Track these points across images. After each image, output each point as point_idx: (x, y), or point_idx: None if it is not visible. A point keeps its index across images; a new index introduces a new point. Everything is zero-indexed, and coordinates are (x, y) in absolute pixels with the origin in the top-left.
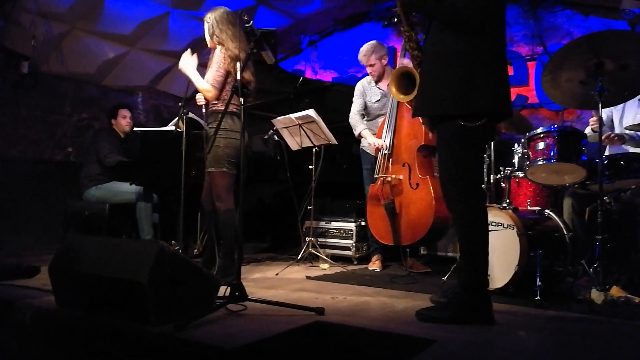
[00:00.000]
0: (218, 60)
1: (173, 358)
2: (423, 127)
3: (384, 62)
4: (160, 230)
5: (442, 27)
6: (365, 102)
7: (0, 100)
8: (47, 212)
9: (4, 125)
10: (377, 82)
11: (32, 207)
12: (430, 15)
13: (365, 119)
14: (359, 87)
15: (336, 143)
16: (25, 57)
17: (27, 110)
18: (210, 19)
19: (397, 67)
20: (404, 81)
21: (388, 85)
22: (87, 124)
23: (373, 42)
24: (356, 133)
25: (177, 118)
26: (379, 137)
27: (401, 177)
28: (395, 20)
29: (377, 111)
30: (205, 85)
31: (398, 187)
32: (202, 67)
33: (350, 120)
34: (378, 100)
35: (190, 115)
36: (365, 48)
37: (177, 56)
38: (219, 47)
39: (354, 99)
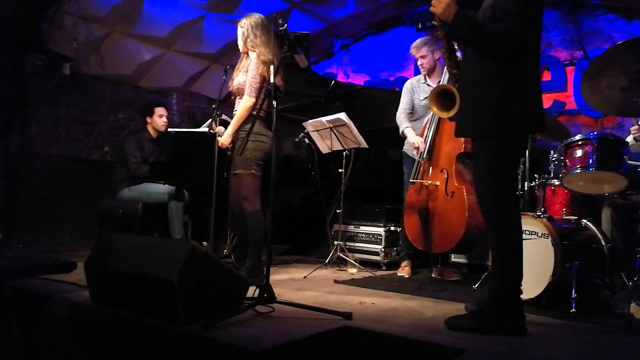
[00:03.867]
0: (254, 67)
1: (200, 357)
2: None
3: (437, 56)
4: (191, 230)
5: (479, 52)
6: (412, 100)
7: (42, 100)
8: (83, 209)
9: (45, 124)
10: (427, 77)
11: (70, 204)
12: (470, 45)
13: (411, 118)
14: (407, 85)
15: (367, 147)
16: (67, 59)
17: (66, 110)
18: (245, 25)
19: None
20: (443, 99)
21: (438, 83)
22: (123, 124)
23: (427, 37)
24: (400, 130)
25: (210, 120)
26: (421, 136)
27: (438, 183)
28: (432, 28)
29: (424, 110)
30: (245, 104)
31: (434, 193)
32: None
33: (396, 118)
34: (426, 97)
35: (223, 117)
36: (418, 41)
37: (211, 59)
38: (253, 54)
39: (402, 97)
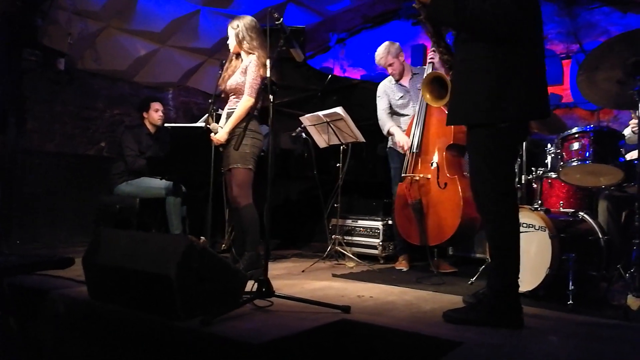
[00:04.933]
0: (255, 69)
1: (200, 352)
2: (452, 126)
3: (402, 58)
4: (189, 225)
5: (469, 36)
6: (389, 101)
7: (37, 96)
8: (80, 205)
9: (41, 120)
10: (398, 80)
11: (67, 200)
12: (454, 27)
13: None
14: (380, 88)
15: (364, 141)
16: (62, 54)
17: (62, 106)
18: (239, 26)
19: (427, 64)
20: (436, 86)
21: (410, 80)
22: (119, 120)
23: (385, 43)
24: (385, 131)
25: (206, 115)
26: (408, 134)
27: (429, 176)
28: (421, 27)
29: (402, 109)
30: (245, 104)
31: (426, 186)
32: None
33: (378, 119)
34: (401, 97)
35: (220, 112)
36: (379, 51)
37: (207, 53)
38: (252, 56)
39: (377, 100)
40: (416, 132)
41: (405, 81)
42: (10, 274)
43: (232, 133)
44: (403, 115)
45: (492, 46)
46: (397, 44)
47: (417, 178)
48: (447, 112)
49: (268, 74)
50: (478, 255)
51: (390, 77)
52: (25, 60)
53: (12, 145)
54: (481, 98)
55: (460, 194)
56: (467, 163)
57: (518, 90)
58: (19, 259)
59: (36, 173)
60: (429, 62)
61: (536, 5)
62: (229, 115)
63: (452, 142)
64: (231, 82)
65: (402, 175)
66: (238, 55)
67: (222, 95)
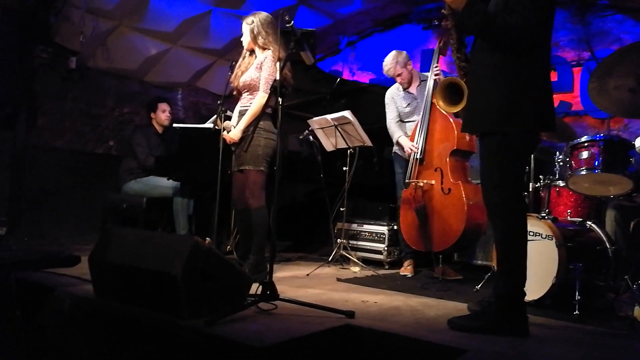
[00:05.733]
0: (271, 64)
1: (203, 353)
2: (455, 132)
3: (410, 67)
4: (195, 226)
5: (489, 44)
6: (397, 109)
7: (48, 93)
8: (88, 203)
9: (51, 117)
10: (406, 89)
11: (75, 197)
12: (480, 36)
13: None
14: (388, 95)
15: (371, 145)
16: (74, 53)
17: (72, 103)
18: (254, 22)
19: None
20: (450, 92)
21: (417, 87)
22: (128, 118)
23: (392, 53)
24: (394, 140)
25: (215, 116)
26: (412, 140)
27: (433, 182)
28: (439, 25)
29: (408, 116)
30: (261, 100)
31: (430, 192)
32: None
33: (388, 128)
34: (409, 104)
35: (229, 113)
36: (387, 61)
37: (218, 54)
38: (266, 52)
39: (386, 108)
40: (420, 138)
41: (413, 88)
42: (18, 269)
43: (245, 132)
44: (409, 122)
45: (510, 57)
46: (405, 52)
47: (421, 184)
48: (461, 119)
49: (278, 77)
50: (483, 262)
51: (396, 84)
52: (37, 57)
53: (22, 141)
54: (494, 107)
55: (464, 199)
56: (471, 168)
57: (530, 102)
58: (27, 254)
59: (45, 169)
60: (435, 77)
61: (552, 24)
62: (241, 114)
63: (455, 148)
64: (245, 78)
65: (406, 181)
66: (252, 52)
67: (234, 93)
